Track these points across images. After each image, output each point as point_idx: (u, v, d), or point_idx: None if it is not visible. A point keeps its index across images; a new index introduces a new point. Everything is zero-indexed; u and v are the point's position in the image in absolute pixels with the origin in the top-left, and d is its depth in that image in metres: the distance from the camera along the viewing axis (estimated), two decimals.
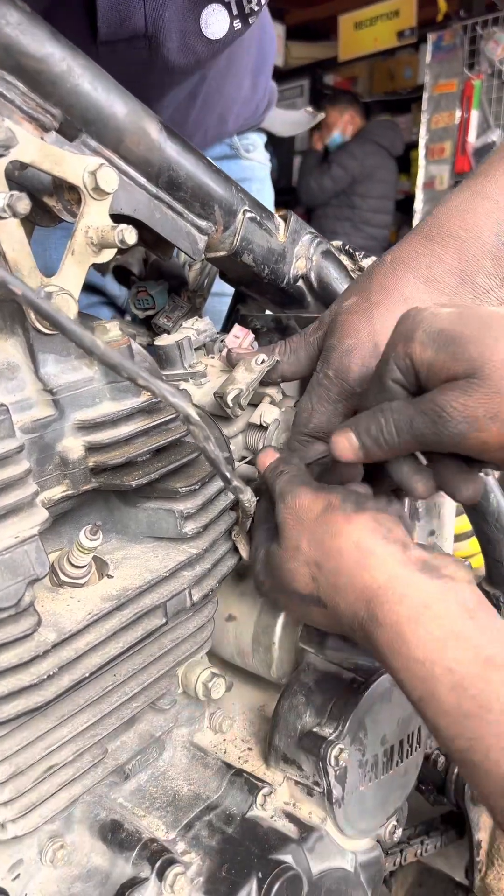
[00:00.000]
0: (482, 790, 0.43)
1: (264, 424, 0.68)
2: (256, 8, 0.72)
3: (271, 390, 0.70)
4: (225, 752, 0.66)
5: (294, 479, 0.57)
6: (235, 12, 0.72)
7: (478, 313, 0.49)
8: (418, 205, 4.09)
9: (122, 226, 0.52)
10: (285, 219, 0.70)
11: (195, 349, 0.72)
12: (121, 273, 0.80)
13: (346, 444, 0.54)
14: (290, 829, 0.59)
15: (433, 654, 0.45)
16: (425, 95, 4.01)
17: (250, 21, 0.73)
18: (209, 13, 0.71)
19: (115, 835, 0.55)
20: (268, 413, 0.68)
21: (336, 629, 0.56)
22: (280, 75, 5.33)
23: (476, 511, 0.72)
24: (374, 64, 5.24)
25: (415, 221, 4.11)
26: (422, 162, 4.04)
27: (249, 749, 0.66)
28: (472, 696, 0.43)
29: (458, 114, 3.88)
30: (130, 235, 0.52)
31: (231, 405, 0.64)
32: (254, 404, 0.69)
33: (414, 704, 0.47)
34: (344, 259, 0.74)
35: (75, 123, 0.53)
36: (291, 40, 5.39)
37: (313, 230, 0.72)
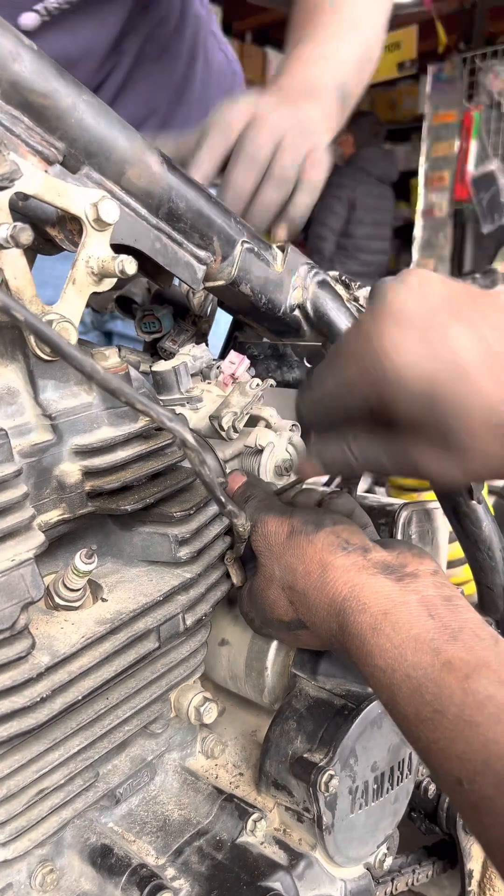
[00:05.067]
0: (444, 790, 0.44)
1: (259, 448, 0.69)
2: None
3: (267, 413, 0.71)
4: (216, 777, 0.66)
5: (260, 506, 0.60)
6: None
7: None
8: (418, 232, 4.14)
9: (123, 256, 0.53)
10: (282, 249, 0.71)
11: (192, 375, 0.73)
12: (124, 303, 0.82)
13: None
14: (279, 856, 0.59)
15: (393, 662, 0.46)
16: (425, 125, 4.08)
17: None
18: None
19: (104, 860, 0.55)
20: (262, 436, 0.69)
21: (325, 647, 0.57)
22: None
23: (468, 538, 0.73)
24: (376, 94, 5.33)
25: (414, 248, 4.16)
26: (421, 190, 4.10)
27: (241, 774, 0.66)
28: (428, 702, 0.44)
29: (457, 144, 3.94)
30: (130, 266, 0.53)
31: (226, 428, 0.65)
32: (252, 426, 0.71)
33: (385, 709, 0.48)
34: (340, 289, 0.76)
35: (79, 156, 0.55)
36: None
37: (310, 261, 0.73)
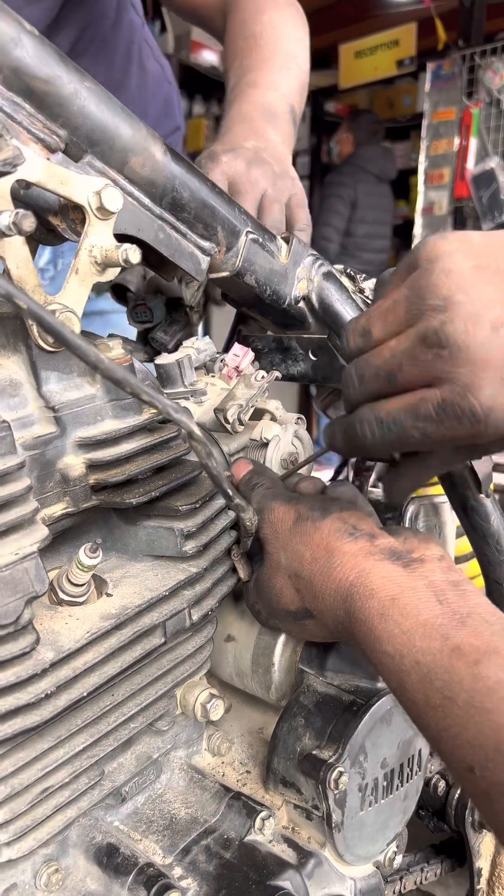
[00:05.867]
0: (455, 777, 0.44)
1: (265, 441, 0.68)
2: None
3: (272, 406, 0.71)
4: (223, 775, 0.65)
5: (268, 493, 0.59)
6: None
7: None
8: (417, 230, 4.12)
9: (126, 245, 0.53)
10: (287, 240, 0.70)
11: (195, 368, 0.72)
12: (118, 290, 0.81)
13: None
14: (288, 855, 0.58)
15: (402, 648, 0.45)
16: (424, 123, 4.06)
17: None
18: None
19: (110, 859, 0.54)
20: (268, 430, 0.68)
21: (332, 638, 0.56)
22: None
23: (476, 533, 0.72)
24: (375, 92, 5.32)
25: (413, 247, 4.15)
26: (421, 188, 4.08)
27: (248, 772, 0.65)
28: (438, 688, 0.43)
29: (456, 141, 3.93)
30: (134, 255, 0.52)
31: (231, 421, 0.64)
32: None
33: (394, 696, 0.48)
34: (345, 281, 0.75)
35: (81, 144, 0.54)
36: None
37: (315, 252, 0.72)
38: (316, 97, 5.22)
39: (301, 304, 0.72)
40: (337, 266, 0.77)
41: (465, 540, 0.77)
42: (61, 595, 0.52)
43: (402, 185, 4.82)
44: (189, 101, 5.19)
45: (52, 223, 0.55)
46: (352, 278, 0.77)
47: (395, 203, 4.53)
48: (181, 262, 0.63)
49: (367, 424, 0.51)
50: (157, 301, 0.79)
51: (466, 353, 0.44)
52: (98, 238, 0.53)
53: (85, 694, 0.49)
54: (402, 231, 4.79)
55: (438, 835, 0.85)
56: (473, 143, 3.88)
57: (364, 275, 0.77)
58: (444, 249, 0.46)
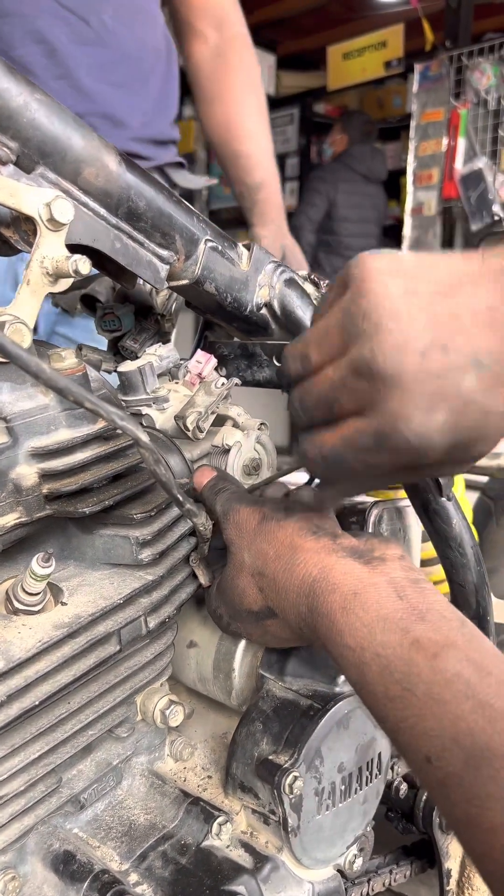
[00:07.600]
0: (412, 768, 0.44)
1: (227, 447, 0.68)
2: None
3: (234, 412, 0.71)
4: (185, 780, 0.65)
5: (232, 497, 0.60)
6: None
7: None
8: (406, 230, 4.13)
9: (76, 256, 0.53)
10: (248, 248, 0.71)
11: (160, 375, 0.72)
12: (88, 301, 0.81)
13: None
14: (244, 859, 0.59)
15: (362, 641, 0.46)
16: (412, 123, 4.07)
17: None
18: None
19: (66, 866, 0.54)
20: (229, 436, 0.68)
21: (295, 639, 0.57)
22: (271, 104, 5.42)
23: (439, 536, 0.73)
24: (364, 92, 5.33)
25: (404, 247, 4.16)
26: (410, 188, 4.09)
27: (209, 777, 0.66)
28: (397, 680, 0.44)
29: (444, 141, 3.94)
30: (84, 265, 0.53)
31: (191, 428, 0.65)
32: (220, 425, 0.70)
33: (354, 689, 0.48)
34: (309, 287, 0.75)
35: (33, 156, 0.54)
36: (282, 70, 5.49)
37: (276, 259, 0.72)
38: (304, 99, 5.22)
39: (263, 310, 0.72)
40: (301, 272, 0.77)
41: (430, 544, 0.77)
42: (16, 604, 0.53)
43: (393, 186, 4.83)
44: (179, 104, 5.18)
45: (4, 235, 0.55)
46: (315, 284, 0.77)
47: (384, 202, 4.53)
48: (139, 270, 0.63)
49: (312, 463, 0.50)
50: (125, 310, 0.79)
51: (395, 381, 0.43)
52: (49, 249, 0.53)
53: (37, 703, 0.49)
54: (394, 232, 4.80)
55: (409, 836, 0.85)
56: (461, 144, 3.90)
57: (328, 281, 0.77)
58: (375, 272, 0.45)
